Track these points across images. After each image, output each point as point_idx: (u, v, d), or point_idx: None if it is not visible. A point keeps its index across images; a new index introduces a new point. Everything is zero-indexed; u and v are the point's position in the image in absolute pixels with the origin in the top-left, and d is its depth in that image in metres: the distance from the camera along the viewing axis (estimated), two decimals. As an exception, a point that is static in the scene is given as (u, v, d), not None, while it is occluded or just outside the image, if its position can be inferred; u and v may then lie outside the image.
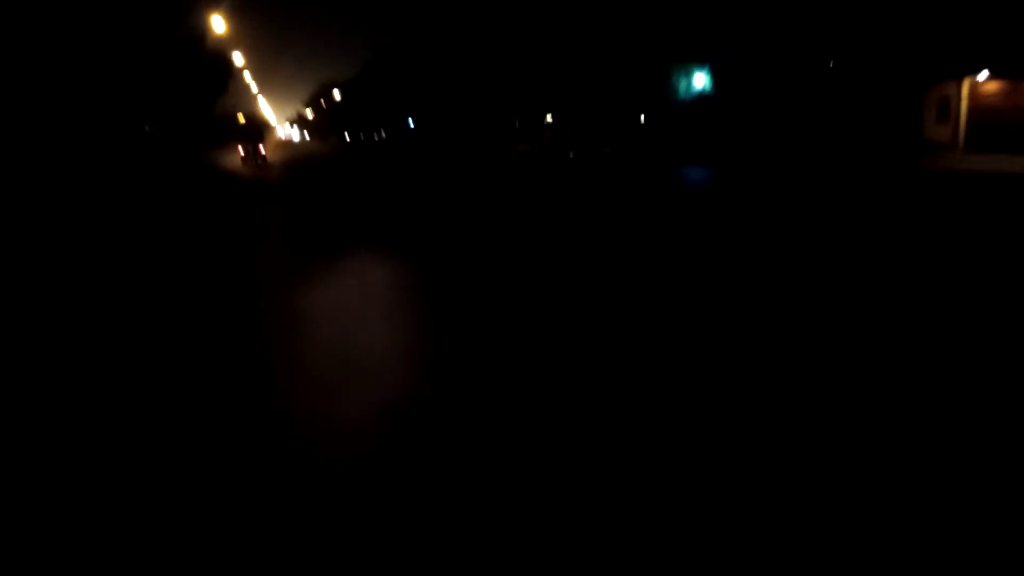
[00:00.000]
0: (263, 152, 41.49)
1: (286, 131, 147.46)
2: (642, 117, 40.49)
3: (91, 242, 11.43)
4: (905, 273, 7.12)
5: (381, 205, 16.27)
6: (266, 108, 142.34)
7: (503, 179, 23.37)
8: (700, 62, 35.47)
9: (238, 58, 76.92)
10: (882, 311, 5.77)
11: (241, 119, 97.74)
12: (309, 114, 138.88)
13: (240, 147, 40.88)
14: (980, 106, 25.64)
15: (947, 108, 26.67)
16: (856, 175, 19.62)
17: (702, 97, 35.47)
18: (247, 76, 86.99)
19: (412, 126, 75.66)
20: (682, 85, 36.71)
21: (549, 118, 49.27)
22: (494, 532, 2.85)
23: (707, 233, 10.09)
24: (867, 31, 27.02)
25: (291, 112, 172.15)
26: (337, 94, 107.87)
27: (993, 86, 25.12)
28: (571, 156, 36.54)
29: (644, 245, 9.32)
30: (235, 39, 71.87)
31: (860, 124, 28.53)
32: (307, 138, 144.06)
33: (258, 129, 50.45)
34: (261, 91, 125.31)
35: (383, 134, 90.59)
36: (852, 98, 28.60)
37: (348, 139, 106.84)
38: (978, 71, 24.92)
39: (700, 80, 35.69)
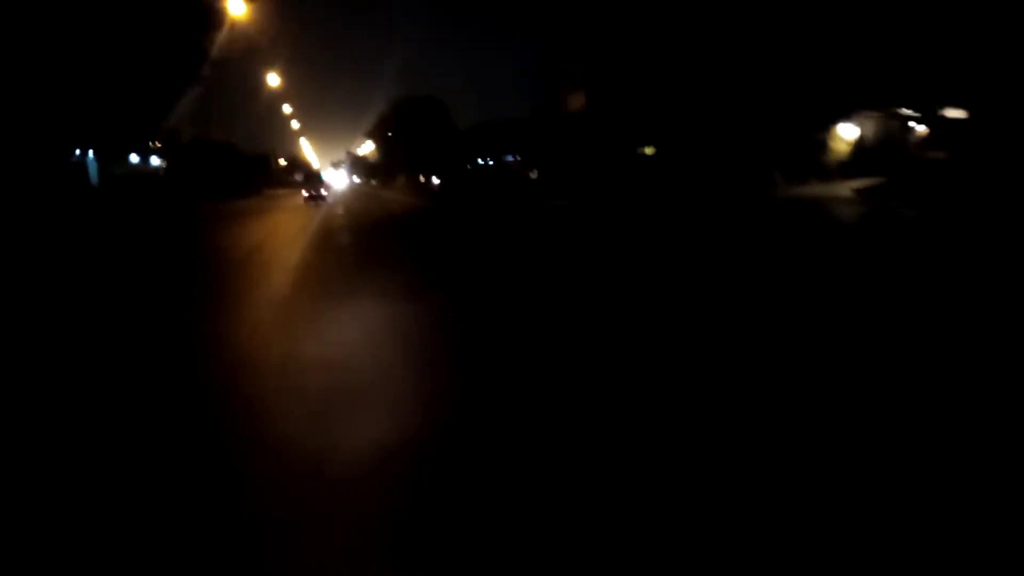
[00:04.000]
0: (324, 193, 50.29)
1: (328, 178, 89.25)
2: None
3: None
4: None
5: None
6: (308, 151, 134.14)
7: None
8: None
9: (286, 107, 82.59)
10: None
11: (282, 162, 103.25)
12: (364, 150, 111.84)
13: (304, 191, 51.08)
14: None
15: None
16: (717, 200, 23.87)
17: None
18: (293, 123, 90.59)
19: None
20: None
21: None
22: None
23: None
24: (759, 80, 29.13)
25: (335, 155, 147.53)
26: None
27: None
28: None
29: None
30: (285, 89, 76.77)
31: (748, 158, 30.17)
32: (356, 181, 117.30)
33: (318, 175, 61.35)
34: (304, 134, 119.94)
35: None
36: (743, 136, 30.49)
37: (435, 182, 66.14)
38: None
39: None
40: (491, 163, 62.17)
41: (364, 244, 17.59)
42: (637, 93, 42.02)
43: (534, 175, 50.74)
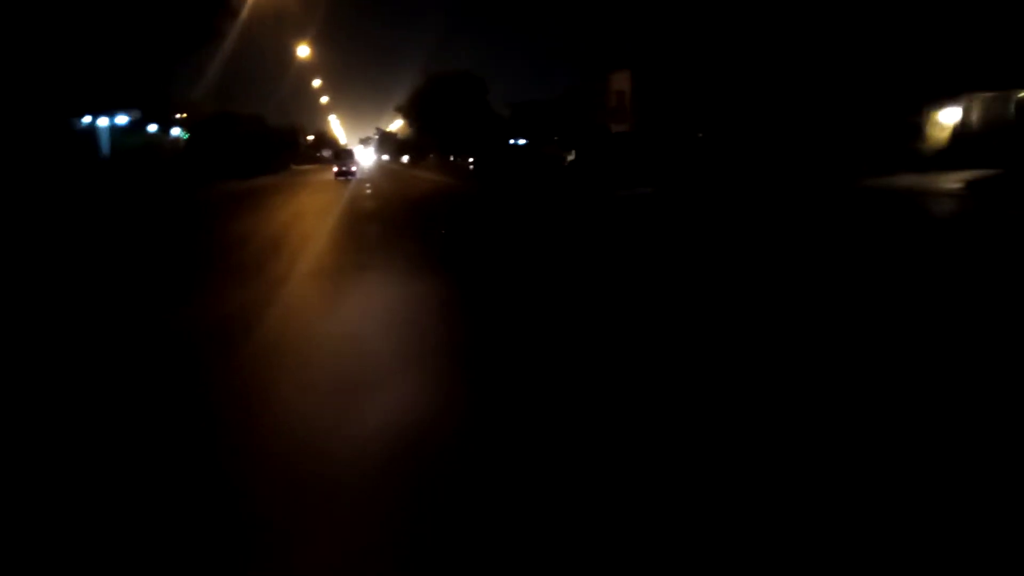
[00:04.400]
0: (354, 170, 52.14)
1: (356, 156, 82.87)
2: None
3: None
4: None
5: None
6: (336, 127, 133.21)
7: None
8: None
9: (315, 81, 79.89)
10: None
11: (310, 138, 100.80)
12: (393, 127, 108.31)
13: (335, 167, 52.52)
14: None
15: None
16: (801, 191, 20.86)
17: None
18: (322, 98, 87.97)
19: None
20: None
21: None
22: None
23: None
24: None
25: (363, 132, 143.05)
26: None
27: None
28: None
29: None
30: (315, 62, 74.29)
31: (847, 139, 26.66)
32: (385, 158, 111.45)
33: (350, 152, 63.51)
34: (333, 110, 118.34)
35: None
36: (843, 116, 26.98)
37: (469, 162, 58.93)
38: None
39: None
40: (520, 144, 58.33)
41: (406, 248, 13.05)
42: (690, 70, 39.01)
43: (570, 158, 46.96)
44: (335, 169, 51.82)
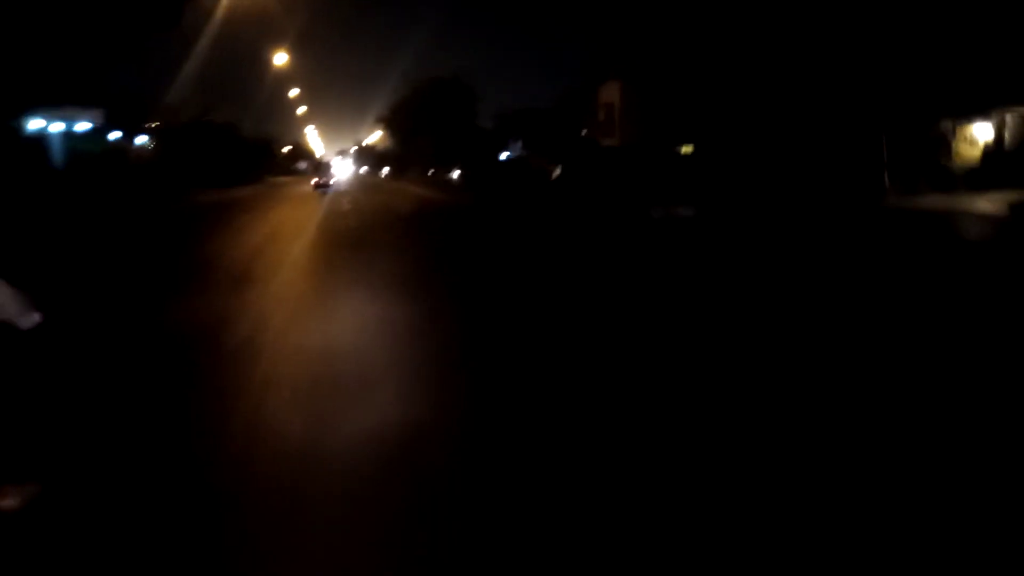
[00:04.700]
0: (332, 182, 53.68)
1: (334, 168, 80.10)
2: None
3: None
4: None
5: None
6: (314, 139, 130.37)
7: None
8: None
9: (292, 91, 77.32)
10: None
11: (286, 150, 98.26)
12: (371, 139, 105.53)
13: (313, 179, 54.50)
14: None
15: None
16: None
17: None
18: (299, 108, 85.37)
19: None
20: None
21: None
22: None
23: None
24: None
25: (341, 144, 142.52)
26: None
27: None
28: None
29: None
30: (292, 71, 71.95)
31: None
32: (364, 171, 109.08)
33: (328, 164, 67.56)
34: (311, 121, 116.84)
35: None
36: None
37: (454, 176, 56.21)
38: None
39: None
40: (510, 157, 55.74)
41: (405, 278, 10.76)
42: (685, 80, 37.24)
43: (556, 172, 44.41)
44: (313, 181, 52.52)
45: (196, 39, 36.74)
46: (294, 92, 79.41)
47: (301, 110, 76.57)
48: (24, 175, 22.94)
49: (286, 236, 17.78)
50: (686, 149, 38.42)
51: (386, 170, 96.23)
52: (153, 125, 48.19)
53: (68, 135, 29.05)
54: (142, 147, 43.91)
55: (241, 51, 54.65)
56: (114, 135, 36.22)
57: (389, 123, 79.23)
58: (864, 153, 24.07)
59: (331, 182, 53.57)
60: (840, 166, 24.32)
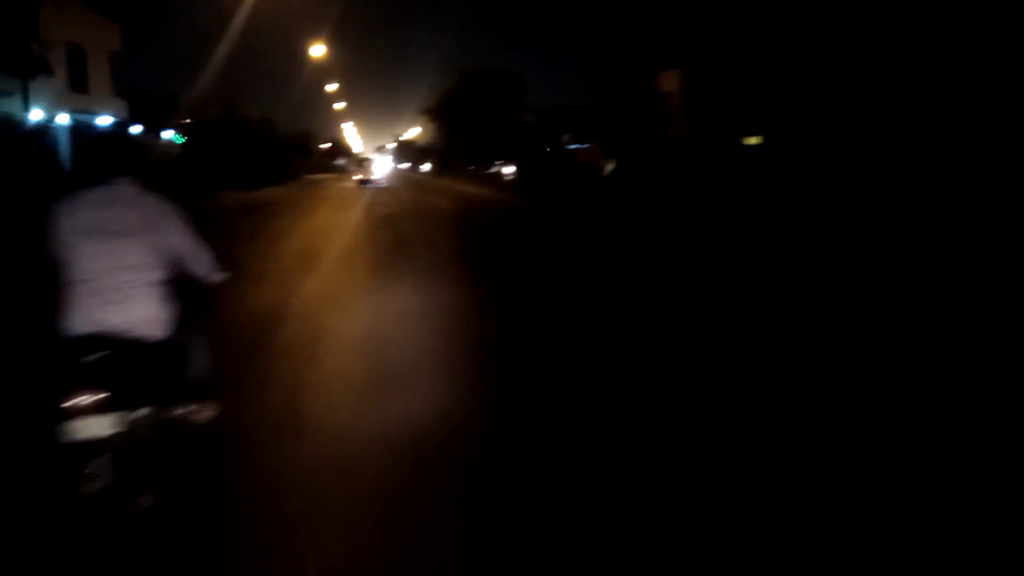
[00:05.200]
0: (377, 178, 56.37)
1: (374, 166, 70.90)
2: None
3: None
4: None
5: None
6: (352, 135, 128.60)
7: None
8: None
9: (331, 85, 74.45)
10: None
11: (324, 147, 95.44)
12: (411, 134, 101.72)
13: (357, 174, 59.08)
14: None
15: None
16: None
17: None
18: (337, 104, 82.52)
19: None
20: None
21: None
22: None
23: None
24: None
25: (380, 140, 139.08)
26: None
27: None
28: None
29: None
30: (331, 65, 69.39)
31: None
32: (404, 167, 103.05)
33: (369, 161, 67.53)
34: (348, 116, 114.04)
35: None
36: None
37: (505, 172, 50.31)
38: None
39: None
40: (565, 150, 51.66)
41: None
42: (758, 67, 33.81)
43: (610, 167, 39.97)
44: (357, 177, 56.55)
45: (225, 32, 33.91)
46: (332, 87, 76.65)
47: (340, 105, 73.55)
48: (18, 173, 19.74)
49: (317, 256, 13.97)
50: (751, 140, 34.89)
51: (427, 166, 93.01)
52: (185, 121, 45.55)
53: (76, 127, 25.92)
54: (168, 143, 41.04)
55: (276, 46, 52.09)
56: (135, 129, 33.17)
57: (435, 114, 74.69)
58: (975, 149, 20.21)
59: (376, 177, 56.26)
60: (953, 163, 20.42)
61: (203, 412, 3.81)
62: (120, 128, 31.27)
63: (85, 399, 3.07)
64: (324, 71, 66.96)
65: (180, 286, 3.56)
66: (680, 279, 10.44)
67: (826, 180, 22.23)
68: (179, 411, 3.58)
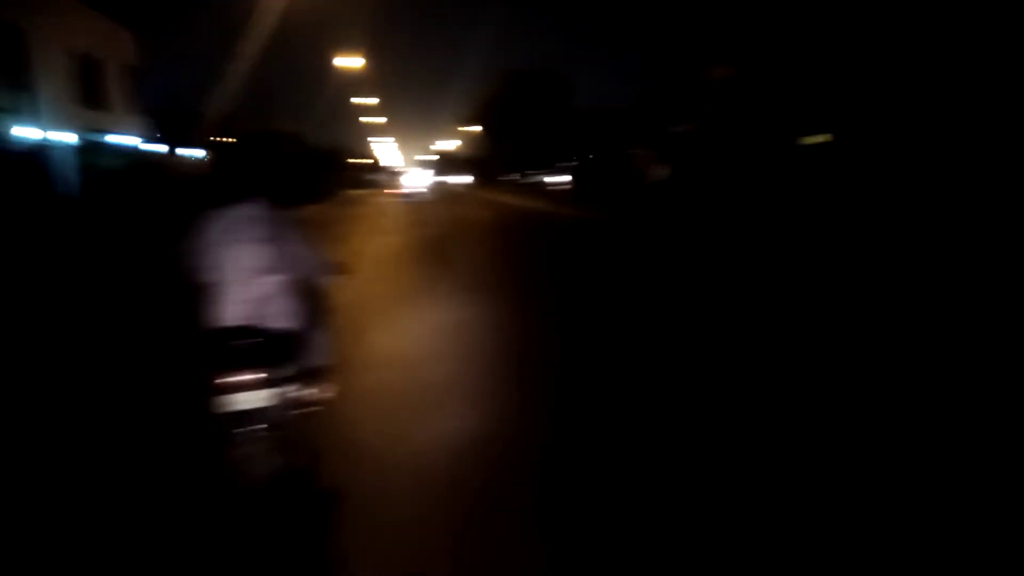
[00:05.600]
0: (422, 190, 57.24)
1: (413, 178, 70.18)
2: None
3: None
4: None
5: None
6: (389, 148, 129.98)
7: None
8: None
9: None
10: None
11: (360, 160, 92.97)
12: (449, 145, 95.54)
13: (391, 187, 62.76)
14: None
15: None
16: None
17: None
18: (375, 118, 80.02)
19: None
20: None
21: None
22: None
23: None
24: None
25: (417, 152, 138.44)
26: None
27: None
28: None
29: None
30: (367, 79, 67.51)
31: None
32: (444, 179, 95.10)
33: (403, 174, 72.29)
34: (388, 130, 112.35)
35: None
36: None
37: (557, 181, 47.01)
38: None
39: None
40: (609, 157, 48.20)
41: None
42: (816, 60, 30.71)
43: (663, 173, 36.57)
44: (395, 191, 58.15)
45: (252, 45, 31.47)
46: (368, 100, 73.91)
47: (379, 119, 70.65)
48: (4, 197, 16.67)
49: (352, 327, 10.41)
50: (813, 140, 31.47)
51: (469, 178, 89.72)
52: (213, 138, 43.18)
53: (85, 147, 22.96)
54: (188, 160, 38.45)
55: (310, 58, 49.63)
56: (150, 146, 30.30)
57: (478, 120, 70.02)
58: None
59: (410, 191, 56.84)
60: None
61: (326, 393, 4.47)
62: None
63: (247, 377, 3.66)
64: (362, 84, 64.47)
65: (305, 286, 4.05)
66: (761, 302, 9.36)
67: (916, 182, 19.35)
68: (308, 391, 4.24)
